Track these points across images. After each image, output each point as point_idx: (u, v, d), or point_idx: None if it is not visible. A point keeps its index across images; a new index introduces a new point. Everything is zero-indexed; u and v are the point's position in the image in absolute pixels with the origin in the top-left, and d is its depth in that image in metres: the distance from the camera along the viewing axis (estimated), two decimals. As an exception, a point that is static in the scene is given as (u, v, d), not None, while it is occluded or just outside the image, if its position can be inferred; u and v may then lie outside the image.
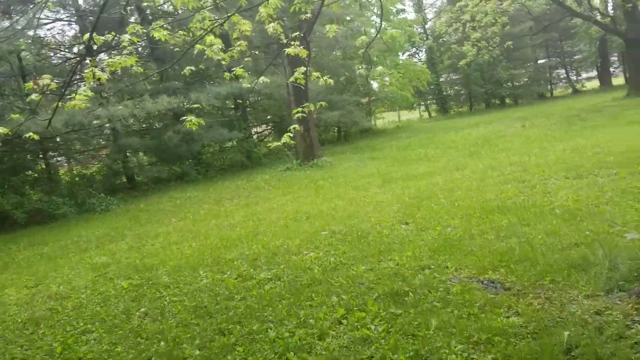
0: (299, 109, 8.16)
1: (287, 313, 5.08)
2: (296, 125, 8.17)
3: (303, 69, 7.85)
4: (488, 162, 12.35)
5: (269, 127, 25.10)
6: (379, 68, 8.39)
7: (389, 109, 36.03)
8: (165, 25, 6.56)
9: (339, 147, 24.37)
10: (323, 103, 8.75)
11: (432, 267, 5.70)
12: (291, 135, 8.00)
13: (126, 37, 6.30)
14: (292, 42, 7.67)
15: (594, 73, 49.35)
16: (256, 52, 9.50)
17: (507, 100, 41.96)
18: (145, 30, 6.92)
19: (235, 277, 6.59)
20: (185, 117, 6.79)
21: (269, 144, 8.22)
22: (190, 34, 7.69)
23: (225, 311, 5.45)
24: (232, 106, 23.75)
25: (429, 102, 42.71)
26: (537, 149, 13.14)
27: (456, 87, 43.04)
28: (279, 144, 8.18)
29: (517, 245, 5.80)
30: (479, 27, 29.31)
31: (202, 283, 6.59)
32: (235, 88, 18.43)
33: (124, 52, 6.66)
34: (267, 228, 9.24)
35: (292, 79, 7.74)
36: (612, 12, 27.75)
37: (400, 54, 35.13)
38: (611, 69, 45.26)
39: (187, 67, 6.82)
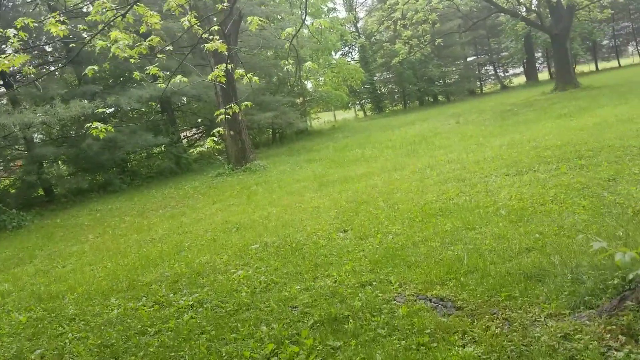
0: (222, 110, 7.39)
1: (207, 350, 4.29)
2: (220, 129, 7.42)
3: (223, 66, 7.09)
4: (426, 160, 11.97)
5: (200, 131, 23.93)
6: (308, 63, 7.64)
7: (324, 109, 35.58)
8: (63, 19, 5.62)
9: (274, 149, 23.59)
10: (249, 103, 8.02)
11: (374, 283, 5.07)
12: (215, 139, 7.24)
13: (11, 31, 5.33)
14: (212, 37, 6.90)
15: (520, 69, 51.11)
16: (170, 49, 8.57)
17: (440, 98, 42.63)
18: (37, 24, 5.94)
19: (152, 305, 5.71)
20: (90, 124, 5.88)
21: (198, 149, 7.35)
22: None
23: (135, 350, 4.60)
24: (159, 110, 22.48)
25: (364, 101, 42.66)
26: (473, 146, 12.91)
27: (390, 86, 43.29)
28: (204, 149, 7.41)
29: (464, 253, 5.27)
30: (410, 25, 29.35)
31: (112, 314, 5.68)
32: (159, 90, 17.28)
33: (10, 49, 5.67)
34: (193, 242, 8.37)
35: (211, 76, 6.98)
36: (536, 8, 28.42)
37: (333, 53, 34.78)
38: (537, 65, 46.87)
39: (89, 68, 5.88)
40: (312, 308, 4.76)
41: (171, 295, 5.96)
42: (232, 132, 16.07)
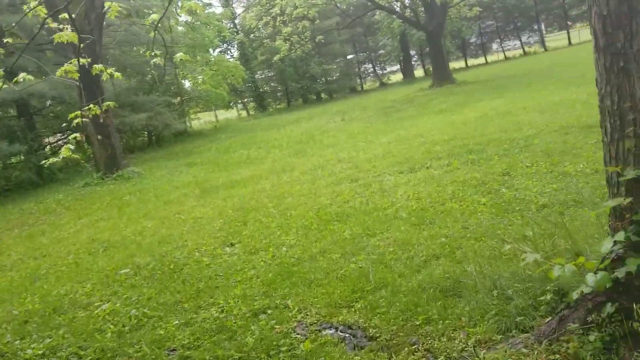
0: (78, 113, 6.22)
1: None
2: (77, 134, 6.29)
3: (75, 61, 5.98)
4: (316, 160, 11.41)
5: (65, 137, 21.50)
6: (179, 54, 6.67)
7: (204, 109, 34.04)
8: None
9: (150, 153, 21.88)
10: (111, 103, 6.92)
11: (269, 310, 4.30)
12: (72, 147, 6.13)
13: None
14: (63, 27, 5.75)
15: (397, 67, 53.04)
16: (8, 41, 7.19)
17: (323, 95, 42.78)
18: None
19: (-11, 361, 4.48)
20: None
21: (51, 160, 6.09)
22: None
23: None
24: (15, 114, 19.87)
25: (246, 100, 41.62)
26: (362, 143, 12.61)
27: (272, 84, 42.64)
28: (58, 159, 6.23)
29: (369, 265, 4.68)
30: (290, 22, 28.91)
31: None
32: (10, 93, 15.09)
33: None
34: (51, 268, 7.03)
35: (60, 72, 5.81)
36: (410, 5, 29.26)
37: (211, 50, 33.37)
38: (412, 62, 48.81)
39: None
40: (193, 350, 3.89)
41: (17, 341, 4.77)
42: (99, 137, 14.41)
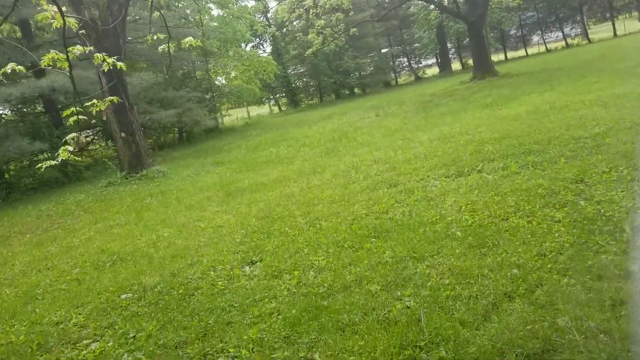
0: (69, 111, 5.43)
1: None
2: (74, 134, 5.56)
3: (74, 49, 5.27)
4: (349, 160, 10.39)
5: (94, 133, 21.06)
6: (189, 39, 5.81)
7: (235, 105, 33.35)
8: None
9: (180, 150, 21.25)
10: (114, 98, 6.07)
11: (292, 366, 3.32)
12: (70, 148, 5.41)
13: None
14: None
15: (432, 60, 51.39)
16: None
17: (356, 90, 41.67)
18: None
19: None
20: None
21: (47, 163, 5.29)
22: None
23: None
24: (42, 110, 19.51)
25: (278, 95, 40.83)
26: (400, 141, 11.51)
27: (305, 79, 41.75)
28: (57, 162, 5.53)
29: (419, 305, 3.66)
30: (323, 14, 27.89)
31: None
32: (35, 88, 14.58)
33: None
34: (51, 286, 6.24)
35: (46, 60, 5.06)
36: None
37: (243, 45, 32.67)
38: (449, 55, 47.11)
39: None
40: None
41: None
42: (123, 134, 13.73)
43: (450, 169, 7.64)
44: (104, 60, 5.59)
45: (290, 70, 40.28)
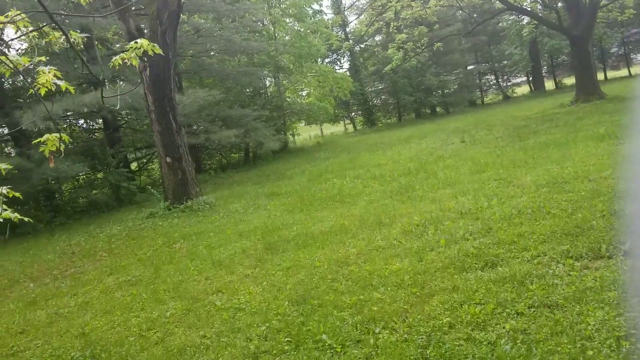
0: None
1: None
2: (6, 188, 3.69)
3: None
4: (427, 207, 8.06)
5: (152, 152, 19.91)
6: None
7: (309, 123, 31.60)
8: None
9: (242, 173, 19.66)
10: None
11: None
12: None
13: None
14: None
15: (522, 79, 47.44)
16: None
17: (438, 109, 38.88)
18: None
19: None
20: None
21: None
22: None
23: None
24: (101, 127, 18.60)
25: (354, 114, 38.78)
26: (493, 183, 9.01)
27: (383, 96, 39.47)
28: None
29: None
30: (405, 27, 25.70)
31: None
32: (79, 103, 13.39)
33: None
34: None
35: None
36: (549, 3, 24.63)
37: (319, 60, 31.02)
38: (543, 74, 43.21)
39: None
40: None
41: None
42: (168, 159, 12.16)
43: (578, 243, 5.15)
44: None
45: (368, 88, 38.13)
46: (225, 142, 18.04)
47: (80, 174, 16.62)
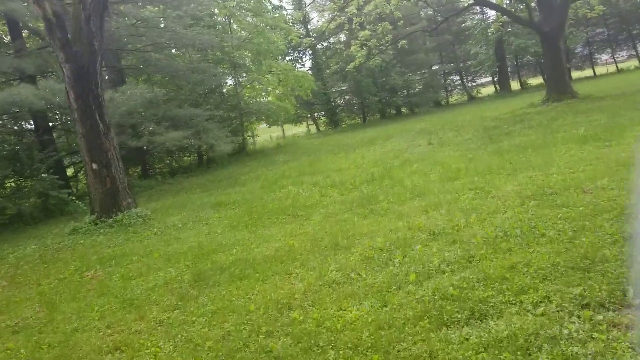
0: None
1: None
2: None
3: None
4: (393, 225, 6.69)
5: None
6: None
7: (269, 123, 30.01)
8: None
9: (193, 178, 17.99)
10: None
11: None
12: None
13: None
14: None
15: (487, 79, 46.96)
16: None
17: (404, 110, 37.88)
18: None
19: None
20: None
21: None
22: None
23: None
24: (32, 127, 16.68)
25: (317, 114, 37.37)
26: (469, 194, 7.72)
27: (347, 96, 38.20)
28: None
29: None
30: (368, 24, 24.47)
31: None
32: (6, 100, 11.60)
33: None
34: None
35: None
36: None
37: (279, 58, 29.52)
38: (508, 73, 42.75)
39: None
40: None
41: None
42: (95, 166, 10.48)
43: (592, 283, 3.86)
44: None
45: (332, 88, 36.74)
46: (172, 144, 16.34)
47: (6, 182, 14.74)
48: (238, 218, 9.32)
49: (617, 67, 41.94)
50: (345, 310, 4.34)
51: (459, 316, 3.83)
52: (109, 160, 10.53)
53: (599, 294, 3.70)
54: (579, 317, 3.50)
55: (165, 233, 9.13)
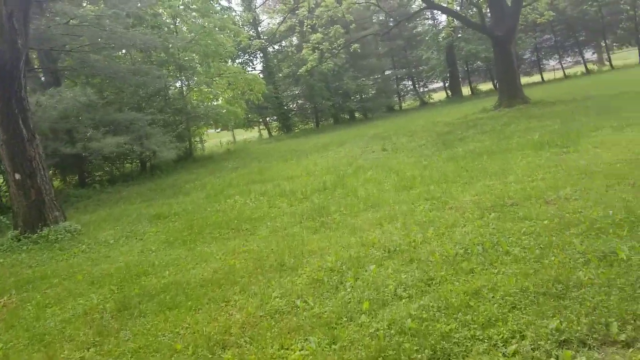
0: None
1: None
2: None
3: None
4: (345, 241, 6.11)
5: None
6: None
7: (218, 128, 29.05)
8: None
9: (133, 187, 16.91)
10: None
11: None
12: None
13: None
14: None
15: (439, 84, 47.40)
16: None
17: (357, 115, 37.63)
18: None
19: None
20: None
21: None
22: None
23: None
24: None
25: (269, 118, 36.60)
26: (425, 204, 7.24)
27: (299, 101, 37.62)
28: None
29: None
30: (320, 26, 24.00)
31: None
32: None
33: None
34: None
35: None
36: (473, 2, 23.77)
37: (228, 60, 28.65)
38: (459, 79, 43.21)
39: None
40: None
41: None
42: (17, 176, 9.45)
43: (569, 314, 3.37)
44: None
45: (283, 92, 36.06)
46: (109, 150, 15.26)
47: None
48: (176, 233, 8.52)
49: (564, 72, 43.06)
50: (287, 349, 3.71)
51: (419, 356, 3.26)
52: (34, 170, 9.51)
53: (578, 328, 3.21)
54: (557, 358, 2.98)
55: (94, 250, 8.23)
